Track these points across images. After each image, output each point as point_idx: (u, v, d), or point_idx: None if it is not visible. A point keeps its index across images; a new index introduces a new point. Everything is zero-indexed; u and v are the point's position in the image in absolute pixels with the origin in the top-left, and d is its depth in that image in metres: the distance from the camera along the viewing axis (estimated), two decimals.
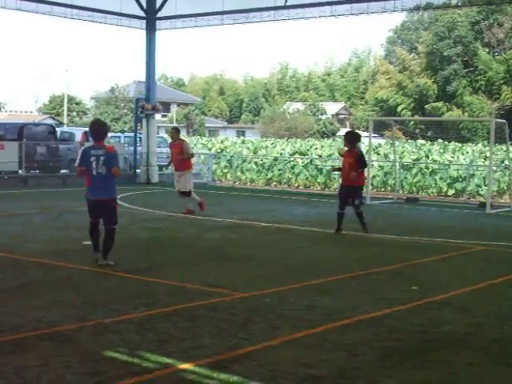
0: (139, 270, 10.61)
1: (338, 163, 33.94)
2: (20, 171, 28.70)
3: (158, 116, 40.74)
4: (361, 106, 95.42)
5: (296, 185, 36.07)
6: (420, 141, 49.04)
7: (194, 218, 17.76)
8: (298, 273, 10.89)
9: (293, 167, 36.56)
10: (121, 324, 7.55)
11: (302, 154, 39.96)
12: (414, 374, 6.21)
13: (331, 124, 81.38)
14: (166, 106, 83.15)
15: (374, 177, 31.30)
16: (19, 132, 30.35)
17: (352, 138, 16.22)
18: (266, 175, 37.35)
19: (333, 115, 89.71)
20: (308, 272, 10.96)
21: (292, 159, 37.66)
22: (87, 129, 41.93)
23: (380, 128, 65.13)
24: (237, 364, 6.29)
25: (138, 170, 31.44)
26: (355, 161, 15.61)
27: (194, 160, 33.14)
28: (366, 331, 7.53)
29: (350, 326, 7.76)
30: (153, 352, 6.55)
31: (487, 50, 78.69)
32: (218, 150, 44.58)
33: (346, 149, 16.02)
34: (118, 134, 43.96)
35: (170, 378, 5.90)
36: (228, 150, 44.31)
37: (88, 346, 6.76)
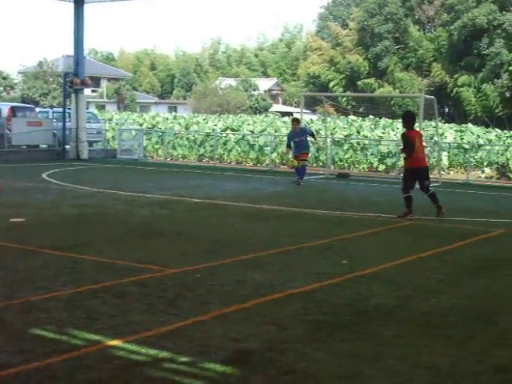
0: (68, 247, 10.45)
1: (270, 139, 34.09)
2: None
3: (87, 91, 40.24)
4: (293, 82, 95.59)
5: (228, 161, 36.04)
6: (351, 117, 49.40)
7: (125, 195, 17.59)
8: (229, 248, 10.88)
9: (225, 143, 36.52)
10: (48, 301, 7.43)
11: (233, 129, 39.93)
12: (342, 346, 6.26)
13: (264, 100, 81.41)
14: (96, 81, 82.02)
15: None
16: None
17: (405, 119, 15.60)
18: (198, 151, 37.24)
19: (265, 91, 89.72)
20: (239, 247, 10.96)
21: (224, 135, 37.60)
22: (14, 103, 41.11)
23: (312, 104, 65.40)
24: (166, 340, 6.25)
25: (67, 146, 31.02)
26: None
27: (124, 136, 32.82)
28: (296, 305, 7.55)
29: (279, 300, 7.78)
30: (81, 329, 6.47)
31: (418, 27, 79.47)
32: (149, 126, 44.22)
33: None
34: (47, 109, 43.28)
35: (98, 355, 5.83)
36: (159, 126, 43.98)
37: (15, 324, 6.65)
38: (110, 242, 11.19)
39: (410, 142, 15.01)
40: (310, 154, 25.47)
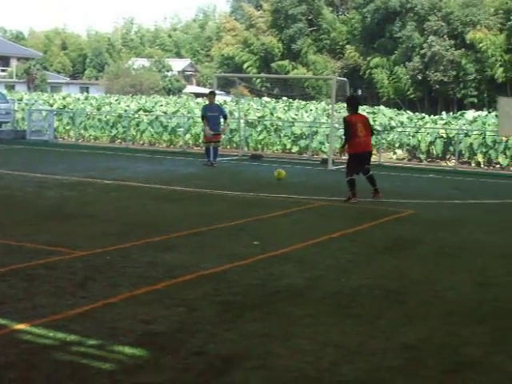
0: None
1: (184, 120, 33.91)
2: None
3: None
4: (207, 63, 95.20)
5: (141, 142, 35.73)
6: (265, 98, 49.46)
7: (34, 177, 17.24)
8: (141, 230, 10.77)
9: (137, 124, 36.17)
10: None
11: (146, 110, 39.51)
12: (252, 326, 6.26)
13: (177, 81, 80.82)
14: (5, 61, 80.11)
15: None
16: None
17: (349, 103, 15.84)
18: (110, 132, 36.78)
19: (179, 72, 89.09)
20: (151, 229, 10.87)
21: (137, 116, 37.23)
22: None
23: (226, 85, 65.30)
24: (75, 323, 6.15)
25: None
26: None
27: (34, 117, 32.12)
28: (207, 286, 7.53)
29: (191, 281, 7.74)
30: None
31: (331, 9, 79.91)
32: (60, 107, 43.39)
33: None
34: None
35: (4, 339, 5.70)
36: (70, 107, 43.19)
37: None
38: (18, 224, 10.95)
39: (349, 127, 15.11)
40: (223, 136, 25.51)
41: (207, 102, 23.76)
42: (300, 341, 5.94)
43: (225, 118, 23.30)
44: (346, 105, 15.98)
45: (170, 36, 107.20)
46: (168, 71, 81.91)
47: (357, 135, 15.01)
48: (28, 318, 6.22)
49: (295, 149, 32.35)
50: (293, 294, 7.44)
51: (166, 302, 6.87)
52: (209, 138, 22.65)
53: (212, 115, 22.52)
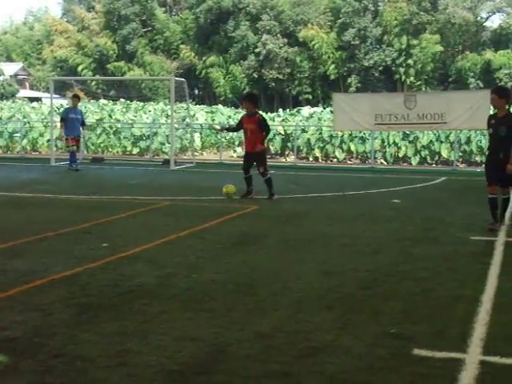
0: None
1: (20, 125, 33.11)
2: None
3: None
4: (39, 67, 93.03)
5: None
6: (102, 101, 48.96)
7: None
8: None
9: None
10: None
11: None
12: (109, 326, 6.33)
13: (10, 85, 78.64)
14: None
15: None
16: None
17: (254, 100, 15.96)
18: None
19: (11, 76, 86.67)
20: None
21: None
22: None
23: (62, 88, 64.12)
24: None
25: None
26: (258, 127, 15.46)
27: None
28: (60, 290, 7.52)
29: (43, 286, 7.70)
30: None
31: (164, 9, 79.91)
32: None
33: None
34: None
35: None
36: None
37: None
38: None
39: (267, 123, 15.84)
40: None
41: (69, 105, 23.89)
42: (157, 337, 6.06)
43: (83, 124, 23.27)
44: (250, 102, 16.00)
45: None
46: None
47: None
48: None
49: (136, 150, 32.28)
50: (146, 293, 7.54)
51: (20, 308, 6.82)
52: (71, 140, 22.63)
53: (74, 117, 22.65)
